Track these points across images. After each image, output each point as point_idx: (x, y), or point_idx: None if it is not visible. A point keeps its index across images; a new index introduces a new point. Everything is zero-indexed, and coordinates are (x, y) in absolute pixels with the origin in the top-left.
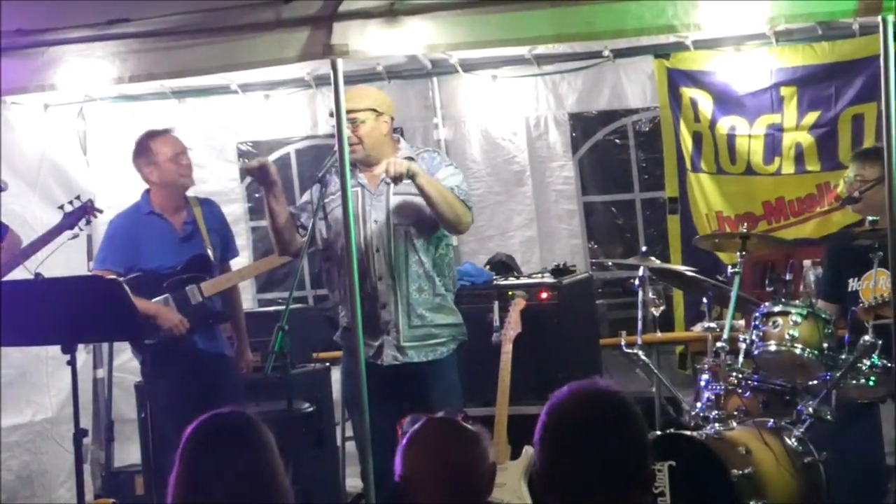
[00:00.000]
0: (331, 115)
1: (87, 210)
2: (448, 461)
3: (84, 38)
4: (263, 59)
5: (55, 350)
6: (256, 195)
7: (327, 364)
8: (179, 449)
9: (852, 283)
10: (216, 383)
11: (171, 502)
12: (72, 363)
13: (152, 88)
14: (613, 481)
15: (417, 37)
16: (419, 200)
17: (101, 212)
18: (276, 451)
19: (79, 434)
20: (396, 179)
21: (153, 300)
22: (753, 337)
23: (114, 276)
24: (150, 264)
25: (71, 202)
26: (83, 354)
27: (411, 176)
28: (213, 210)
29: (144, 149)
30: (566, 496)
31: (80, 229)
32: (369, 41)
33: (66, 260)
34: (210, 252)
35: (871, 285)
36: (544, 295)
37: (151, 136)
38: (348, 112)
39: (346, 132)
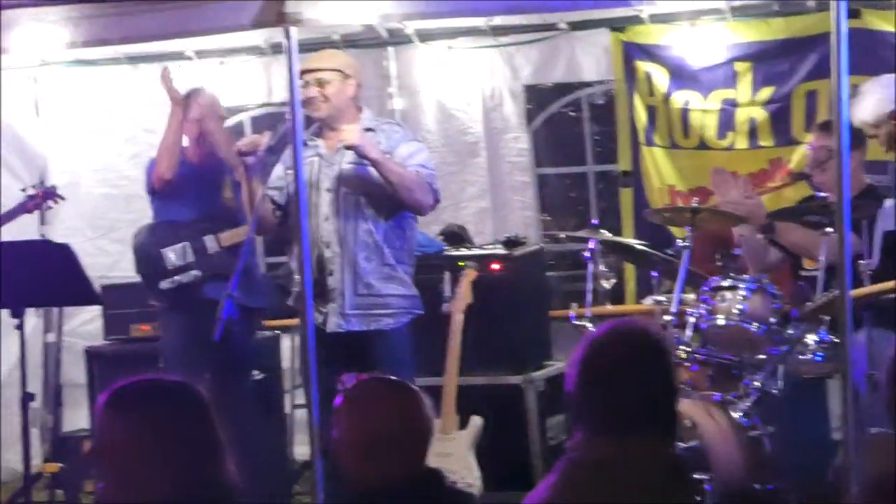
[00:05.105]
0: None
1: (49, 195)
2: (376, 420)
3: (38, 1)
4: (217, 26)
5: (4, 314)
6: None
7: (277, 332)
8: (110, 414)
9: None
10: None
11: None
12: (20, 327)
13: (106, 54)
14: (643, 416)
15: (372, 6)
16: (372, 171)
17: (63, 199)
18: (215, 420)
19: (26, 398)
20: (349, 147)
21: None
22: (702, 311)
23: (63, 242)
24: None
25: (34, 186)
26: (33, 318)
27: (362, 155)
28: None
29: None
30: (598, 423)
31: (42, 214)
32: (323, 10)
33: (19, 224)
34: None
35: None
36: (495, 266)
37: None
38: (315, 71)
39: (302, 96)
